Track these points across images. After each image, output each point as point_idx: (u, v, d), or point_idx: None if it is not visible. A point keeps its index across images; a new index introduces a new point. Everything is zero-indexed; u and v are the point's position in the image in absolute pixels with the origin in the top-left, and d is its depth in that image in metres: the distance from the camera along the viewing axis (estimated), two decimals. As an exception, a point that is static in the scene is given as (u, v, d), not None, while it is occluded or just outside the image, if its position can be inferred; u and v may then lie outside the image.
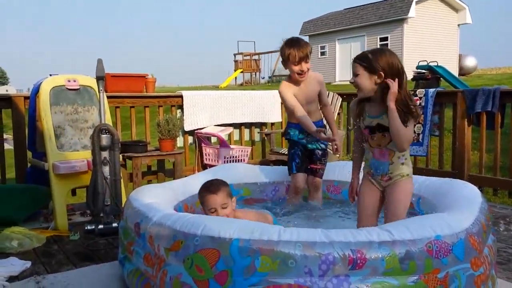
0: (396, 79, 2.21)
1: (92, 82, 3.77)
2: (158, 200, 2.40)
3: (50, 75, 3.82)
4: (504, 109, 4.44)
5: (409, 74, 15.95)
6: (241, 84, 25.32)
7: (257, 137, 5.81)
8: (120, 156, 3.76)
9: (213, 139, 5.20)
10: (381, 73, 2.19)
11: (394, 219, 2.21)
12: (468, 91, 4.64)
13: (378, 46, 22.59)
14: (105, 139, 3.27)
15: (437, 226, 1.81)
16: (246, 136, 5.77)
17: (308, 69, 3.18)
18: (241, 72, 25.24)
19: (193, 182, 3.14)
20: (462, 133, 4.68)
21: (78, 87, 3.74)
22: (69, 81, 3.70)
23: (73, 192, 4.51)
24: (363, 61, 2.23)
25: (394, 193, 2.31)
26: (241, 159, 4.91)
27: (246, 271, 1.69)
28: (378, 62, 2.19)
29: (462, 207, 2.16)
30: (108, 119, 3.64)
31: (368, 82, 2.24)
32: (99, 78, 3.36)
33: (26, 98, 4.07)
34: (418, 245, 1.72)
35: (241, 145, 5.50)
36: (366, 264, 1.67)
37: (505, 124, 4.47)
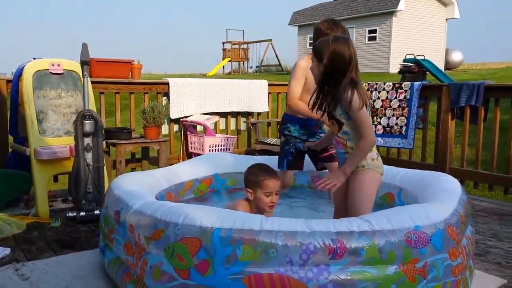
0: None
1: (76, 66, 3.70)
2: (140, 188, 2.38)
3: (34, 58, 3.74)
4: (487, 104, 4.49)
5: (396, 67, 16.06)
6: (229, 73, 25.18)
7: (243, 126, 5.80)
8: (104, 143, 3.72)
9: (199, 128, 5.17)
10: (325, 62, 2.11)
11: (352, 210, 2.18)
12: (453, 85, 4.69)
13: (367, 38, 22.77)
14: (88, 125, 3.22)
15: (416, 217, 1.83)
16: (232, 125, 5.75)
17: None
18: (229, 61, 25.08)
19: (177, 171, 3.13)
20: (446, 126, 4.73)
21: (62, 72, 3.67)
22: (53, 65, 3.63)
23: (55, 179, 4.46)
24: (316, 49, 2.18)
25: (351, 184, 2.25)
26: (226, 148, 4.89)
27: (227, 260, 1.69)
28: (323, 50, 2.11)
29: (441, 198, 2.18)
30: (92, 105, 3.58)
31: (316, 70, 2.18)
32: (84, 63, 3.31)
33: (8, 81, 3.98)
34: (397, 235, 1.74)
35: (227, 134, 5.49)
36: (346, 254, 1.68)
37: (488, 119, 4.53)
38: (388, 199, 3.01)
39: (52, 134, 3.55)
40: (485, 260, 2.67)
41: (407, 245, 1.74)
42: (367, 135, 2.13)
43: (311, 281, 1.66)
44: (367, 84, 5.36)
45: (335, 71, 2.11)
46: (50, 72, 3.62)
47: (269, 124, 6.08)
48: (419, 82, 5.03)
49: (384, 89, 5.18)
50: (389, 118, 5.12)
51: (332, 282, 1.67)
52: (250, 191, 2.35)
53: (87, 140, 3.26)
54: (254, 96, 5.70)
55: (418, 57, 13.38)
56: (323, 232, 1.71)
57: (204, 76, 20.69)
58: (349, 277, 1.68)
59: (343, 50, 2.09)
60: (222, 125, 5.64)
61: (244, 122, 5.78)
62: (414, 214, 1.87)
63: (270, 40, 25.69)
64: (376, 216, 1.85)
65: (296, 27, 26.33)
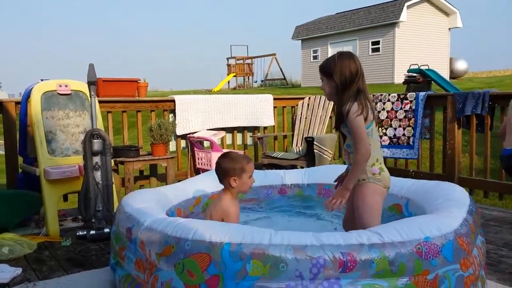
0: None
1: (83, 87, 3.76)
2: (150, 205, 2.40)
3: (42, 80, 3.81)
4: (493, 112, 4.49)
5: (401, 78, 16.09)
6: (234, 88, 25.35)
7: (249, 141, 5.82)
8: (112, 161, 3.75)
9: (206, 143, 5.20)
10: (335, 78, 2.22)
11: (359, 224, 2.21)
12: (458, 94, 4.69)
13: (370, 50, 22.86)
14: (96, 144, 3.26)
15: (425, 228, 1.83)
16: (239, 140, 5.78)
17: None
18: (234, 76, 25.28)
19: (186, 187, 3.15)
20: (452, 136, 4.72)
21: (69, 92, 3.73)
22: (60, 86, 3.69)
23: (65, 198, 4.49)
24: (323, 67, 2.30)
25: (354, 200, 2.30)
26: (233, 163, 4.90)
27: (238, 275, 1.70)
28: (332, 67, 2.23)
29: (450, 208, 2.18)
30: (99, 124, 3.63)
31: (327, 87, 2.29)
32: (91, 83, 3.36)
33: (17, 103, 4.05)
34: (407, 247, 1.74)
35: (234, 149, 5.51)
36: (357, 267, 1.68)
37: (494, 127, 4.52)
38: (396, 210, 3.00)
39: (61, 154, 3.59)
40: (497, 270, 2.64)
41: (418, 256, 1.74)
42: (359, 148, 2.17)
43: (322, 295, 1.66)
44: (372, 95, 5.37)
45: (343, 85, 2.21)
46: (58, 93, 3.68)
47: (275, 138, 6.10)
48: (424, 92, 5.04)
49: (389, 100, 5.20)
50: (395, 129, 5.12)
51: (343, 296, 1.66)
52: (235, 178, 2.38)
53: (96, 159, 3.29)
54: (260, 110, 5.73)
55: (422, 67, 13.40)
56: (332, 245, 1.71)
57: (209, 92, 20.83)
58: (360, 290, 1.67)
59: (349, 64, 2.21)
60: (228, 140, 5.67)
61: (251, 136, 5.81)
62: (424, 225, 1.86)
63: (274, 54, 25.90)
64: (386, 228, 1.85)
65: (300, 41, 26.51)
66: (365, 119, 2.20)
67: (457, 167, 4.72)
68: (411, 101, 4.99)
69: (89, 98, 3.50)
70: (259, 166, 5.34)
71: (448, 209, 2.19)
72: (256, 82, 26.63)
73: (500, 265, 2.72)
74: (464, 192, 2.50)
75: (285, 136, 6.09)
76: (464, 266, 1.88)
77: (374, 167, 2.27)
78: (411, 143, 5.00)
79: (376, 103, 5.31)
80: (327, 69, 2.26)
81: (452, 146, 4.73)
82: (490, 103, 4.40)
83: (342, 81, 2.21)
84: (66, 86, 3.71)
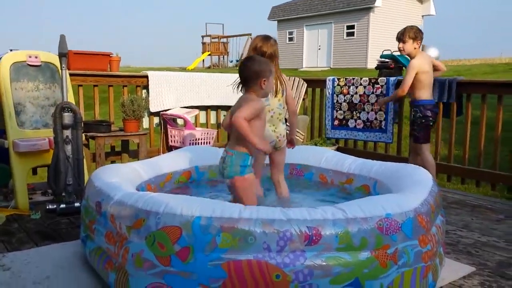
0: None
1: (54, 59, 3.69)
2: (120, 180, 2.42)
3: (11, 50, 3.70)
4: (461, 99, 4.63)
5: (374, 63, 16.30)
6: (209, 67, 25.09)
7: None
8: (83, 136, 3.72)
9: (179, 121, 5.19)
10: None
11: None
12: (426, 81, 4.80)
13: (345, 34, 22.97)
14: (67, 117, 3.23)
15: (387, 206, 1.92)
16: (213, 119, 5.79)
17: None
18: (209, 54, 24.98)
19: (158, 163, 3.17)
20: (420, 121, 4.85)
21: (39, 64, 3.65)
22: (30, 57, 3.60)
23: (34, 172, 4.43)
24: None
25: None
26: (206, 142, 4.93)
27: (207, 247, 1.75)
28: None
29: (413, 189, 2.28)
30: (70, 97, 3.58)
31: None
32: (62, 55, 3.30)
33: (-16, 73, 3.92)
34: (369, 223, 1.82)
35: (207, 127, 5.52)
36: (321, 240, 1.76)
37: (462, 113, 4.66)
38: (364, 191, 3.11)
39: (31, 127, 3.53)
40: (456, 249, 2.78)
41: (379, 232, 1.83)
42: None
43: (288, 266, 1.73)
44: (344, 79, 5.46)
45: None
46: (28, 64, 3.60)
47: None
48: (395, 78, 5.15)
49: (361, 84, 5.30)
50: (368, 112, 5.23)
51: (307, 268, 1.74)
52: (265, 79, 2.52)
53: (66, 133, 3.26)
54: (234, 90, 5.72)
55: (394, 53, 13.59)
56: (299, 220, 1.78)
57: (184, 70, 20.56)
58: (324, 263, 1.76)
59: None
60: (202, 119, 5.67)
61: (224, 115, 5.81)
62: (386, 203, 1.96)
63: (250, 34, 25.67)
64: (350, 204, 1.93)
65: (276, 22, 26.39)
66: None
67: (423, 151, 4.87)
68: (382, 86, 5.10)
69: (60, 70, 3.43)
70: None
71: (411, 189, 2.29)
72: (231, 61, 26.40)
73: (459, 244, 2.87)
74: (427, 174, 2.61)
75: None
76: (422, 243, 1.99)
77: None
78: (383, 127, 5.12)
79: (349, 87, 5.40)
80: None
81: (419, 131, 4.86)
82: (457, 90, 4.53)
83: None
84: (36, 57, 3.63)
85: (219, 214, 1.79)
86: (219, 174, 2.60)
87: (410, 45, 4.09)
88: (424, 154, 4.08)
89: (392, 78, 5.11)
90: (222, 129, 5.90)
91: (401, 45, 4.14)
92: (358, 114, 5.33)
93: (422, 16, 24.15)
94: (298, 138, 5.01)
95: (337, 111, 5.52)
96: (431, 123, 4.11)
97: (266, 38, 2.94)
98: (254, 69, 2.49)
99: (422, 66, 4.03)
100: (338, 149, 5.11)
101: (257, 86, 2.51)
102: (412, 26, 4.19)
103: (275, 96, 2.93)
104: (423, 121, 4.06)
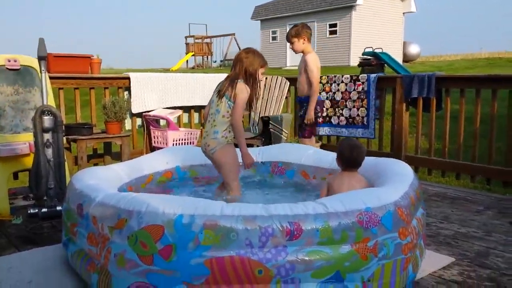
0: None
1: (33, 62, 3.65)
2: (101, 182, 2.41)
3: (-12, 54, 3.66)
4: (441, 94, 4.71)
5: (356, 61, 16.45)
6: (193, 68, 25.01)
7: (206, 120, 5.83)
8: (64, 139, 3.69)
9: (162, 122, 5.18)
10: None
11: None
12: (405, 77, 4.89)
13: (328, 32, 23.11)
14: (47, 120, 3.20)
15: (367, 199, 1.95)
16: (196, 119, 5.79)
17: None
18: (193, 55, 24.91)
19: (138, 164, 3.16)
20: (400, 117, 4.94)
21: (18, 67, 3.61)
22: (9, 60, 3.56)
23: (15, 176, 4.38)
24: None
25: None
26: (190, 142, 4.93)
27: (190, 245, 1.76)
28: None
29: (394, 182, 2.32)
30: (50, 101, 3.55)
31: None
32: (41, 58, 3.27)
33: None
34: (349, 217, 1.85)
35: (191, 128, 5.52)
36: (302, 235, 1.78)
37: (442, 108, 4.74)
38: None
39: (11, 131, 3.49)
40: (436, 241, 2.84)
41: (359, 225, 1.86)
42: None
43: (270, 261, 1.75)
44: (326, 77, 5.51)
45: None
46: (7, 68, 3.56)
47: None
48: (375, 74, 5.22)
49: (342, 81, 5.35)
50: (350, 109, 5.29)
51: (289, 262, 1.77)
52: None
53: (47, 136, 3.23)
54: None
55: (376, 50, 13.75)
56: (280, 216, 1.80)
57: (167, 70, 20.46)
58: (305, 257, 1.78)
59: None
60: (185, 119, 5.66)
61: (207, 115, 5.81)
62: (366, 196, 1.99)
63: (233, 34, 25.68)
64: (331, 199, 1.96)
65: (259, 21, 26.42)
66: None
67: (404, 146, 4.95)
68: (363, 83, 5.16)
69: (40, 74, 3.40)
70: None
71: (391, 183, 2.33)
72: (215, 62, 26.36)
73: (439, 236, 2.92)
74: (408, 168, 2.65)
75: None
76: (402, 235, 2.02)
77: None
78: (365, 123, 5.18)
79: (331, 84, 5.45)
80: None
81: (400, 127, 4.95)
82: (436, 85, 4.61)
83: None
84: (15, 61, 3.59)
85: (202, 212, 1.80)
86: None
87: (297, 43, 4.17)
88: None
89: (372, 75, 5.17)
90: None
91: (290, 46, 4.24)
92: (340, 111, 5.38)
93: (403, 13, 24.41)
94: (281, 136, 5.04)
95: (319, 108, 5.56)
96: (319, 118, 4.39)
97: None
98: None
99: (318, 59, 4.24)
100: (321, 146, 5.15)
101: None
102: (295, 24, 4.31)
103: (218, 96, 2.88)
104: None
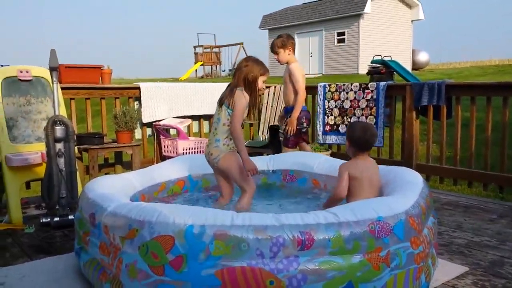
0: None
1: (45, 73, 3.70)
2: (113, 191, 2.42)
3: (1, 65, 3.72)
4: (451, 102, 4.68)
5: (365, 69, 16.44)
6: (202, 77, 25.16)
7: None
8: (76, 148, 3.72)
9: (172, 131, 5.21)
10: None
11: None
12: (415, 85, 4.87)
13: (336, 41, 23.14)
14: (59, 130, 3.23)
15: (379, 209, 1.94)
16: (205, 128, 5.81)
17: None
18: (202, 64, 25.07)
19: (151, 173, 3.17)
20: (411, 125, 4.91)
21: (30, 78, 3.66)
22: (21, 72, 3.61)
23: (28, 186, 4.42)
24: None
25: None
26: (199, 151, 4.94)
27: (201, 256, 1.76)
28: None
29: (404, 191, 2.30)
30: (62, 111, 3.59)
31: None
32: (53, 69, 3.31)
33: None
34: (361, 226, 1.84)
35: (201, 137, 5.54)
36: (314, 245, 1.77)
37: (452, 116, 4.70)
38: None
39: (23, 141, 3.53)
40: (449, 250, 2.80)
41: (371, 235, 1.85)
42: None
43: (282, 272, 1.74)
44: (335, 85, 5.51)
45: None
46: (19, 79, 3.61)
47: (242, 126, 6.14)
48: (384, 82, 5.20)
49: (351, 89, 5.34)
50: (358, 117, 5.27)
51: (301, 273, 1.75)
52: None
53: (59, 146, 3.26)
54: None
55: (385, 58, 13.72)
56: (291, 225, 1.79)
57: (176, 80, 20.61)
58: (317, 267, 1.77)
59: None
60: (195, 128, 5.69)
61: (217, 124, 5.83)
62: (377, 206, 1.98)
63: (242, 43, 25.81)
64: (342, 208, 1.95)
65: (267, 30, 26.54)
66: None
67: (414, 154, 4.92)
68: (372, 91, 5.14)
69: (51, 84, 3.45)
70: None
71: (402, 192, 2.31)
72: (224, 71, 26.50)
73: (452, 245, 2.89)
74: (418, 177, 2.64)
75: (251, 125, 6.16)
76: (414, 244, 2.00)
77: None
78: (373, 131, 5.15)
79: (340, 93, 5.44)
80: None
81: (410, 135, 4.92)
82: (446, 93, 4.58)
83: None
84: (27, 72, 3.64)
85: (212, 222, 1.80)
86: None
87: (283, 54, 4.18)
88: None
89: (382, 83, 5.16)
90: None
91: (275, 57, 4.23)
92: (349, 119, 5.36)
93: (412, 21, 24.39)
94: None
95: (328, 116, 5.56)
96: (304, 129, 4.32)
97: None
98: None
99: (302, 69, 4.25)
100: (331, 155, 5.13)
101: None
102: (280, 35, 4.28)
103: (219, 105, 2.91)
104: (297, 127, 4.24)
